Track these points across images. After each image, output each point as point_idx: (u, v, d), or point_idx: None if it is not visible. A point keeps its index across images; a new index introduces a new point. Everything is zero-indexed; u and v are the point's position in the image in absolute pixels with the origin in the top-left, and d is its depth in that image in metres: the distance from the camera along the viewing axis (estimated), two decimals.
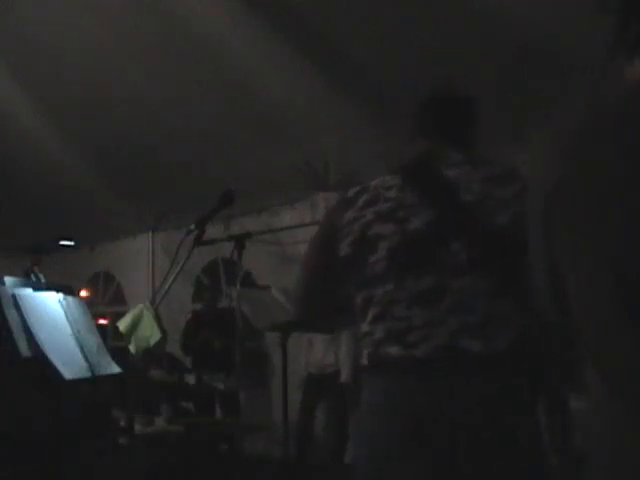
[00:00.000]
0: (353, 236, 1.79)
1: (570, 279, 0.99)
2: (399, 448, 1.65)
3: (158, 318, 3.04)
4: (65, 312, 2.69)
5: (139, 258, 7.64)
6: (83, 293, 7.82)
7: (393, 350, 1.68)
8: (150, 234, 7.57)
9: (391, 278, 1.72)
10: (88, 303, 3.13)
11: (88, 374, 2.58)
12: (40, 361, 2.38)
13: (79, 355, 2.61)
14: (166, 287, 2.76)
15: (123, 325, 3.01)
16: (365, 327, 1.76)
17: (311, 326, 3.18)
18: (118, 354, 2.94)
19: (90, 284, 8.49)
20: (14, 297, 2.48)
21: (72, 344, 2.61)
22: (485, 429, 1.59)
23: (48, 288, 2.76)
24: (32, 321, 2.46)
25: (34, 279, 3.06)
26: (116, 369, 2.77)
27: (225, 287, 6.74)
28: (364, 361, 1.77)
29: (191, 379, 5.73)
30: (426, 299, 1.66)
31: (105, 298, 8.57)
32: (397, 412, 1.67)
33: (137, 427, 3.15)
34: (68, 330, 2.65)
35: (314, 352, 5.26)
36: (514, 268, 1.62)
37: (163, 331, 3.19)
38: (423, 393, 1.64)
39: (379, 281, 1.73)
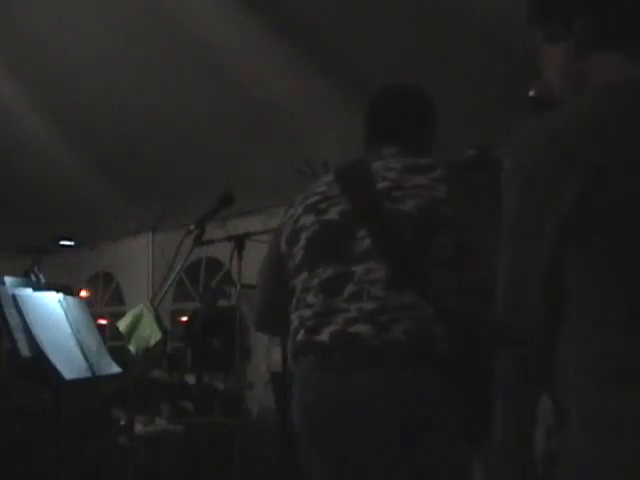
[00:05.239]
0: (287, 232, 1.84)
1: (571, 277, 0.99)
2: (303, 446, 1.74)
3: (158, 318, 3.04)
4: (65, 312, 2.69)
5: (139, 258, 7.63)
6: (83, 293, 7.81)
7: (300, 336, 1.72)
8: (150, 234, 7.57)
9: (306, 267, 1.75)
10: (88, 303, 3.13)
11: (88, 374, 2.58)
12: (40, 361, 2.38)
13: (79, 355, 2.61)
14: (166, 287, 2.76)
15: (123, 325, 3.00)
16: (291, 317, 1.79)
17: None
18: (117, 354, 2.94)
19: (90, 284, 8.48)
20: (14, 297, 2.48)
21: (72, 344, 2.61)
22: (372, 426, 1.58)
23: (48, 288, 2.76)
24: (32, 321, 2.46)
25: (34, 279, 3.05)
26: (116, 369, 2.77)
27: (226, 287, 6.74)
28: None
29: (191, 379, 5.73)
30: (330, 286, 1.68)
31: (104, 298, 8.57)
32: (297, 410, 1.73)
33: (137, 427, 3.16)
34: (68, 330, 2.65)
35: (275, 352, 5.28)
36: (416, 257, 1.61)
37: (163, 331, 3.19)
38: (314, 391, 1.67)
39: (298, 271, 1.77)
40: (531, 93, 1.28)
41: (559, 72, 1.16)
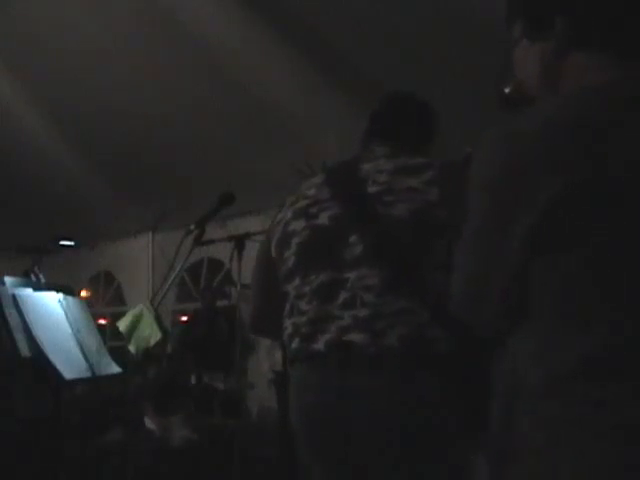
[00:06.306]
0: (277, 236, 1.82)
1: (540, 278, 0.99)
2: (302, 447, 1.72)
3: (158, 318, 3.04)
4: (65, 312, 2.69)
5: (139, 258, 7.64)
6: (83, 293, 7.82)
7: (295, 344, 1.71)
8: (150, 234, 7.58)
9: (298, 273, 1.73)
10: (88, 303, 3.13)
11: (88, 374, 2.58)
12: (40, 361, 2.38)
13: (79, 355, 2.61)
14: (166, 287, 2.76)
15: (123, 325, 3.01)
16: (284, 322, 1.78)
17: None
18: (117, 354, 2.94)
19: (91, 284, 8.49)
20: (14, 297, 2.48)
21: (72, 344, 2.61)
22: (372, 426, 1.57)
23: (48, 288, 2.76)
24: (32, 321, 2.45)
25: (34, 279, 3.05)
26: (116, 369, 2.77)
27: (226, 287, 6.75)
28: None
29: (191, 379, 5.72)
30: (324, 293, 1.66)
31: (105, 298, 8.58)
32: (296, 411, 1.72)
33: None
34: (68, 330, 2.65)
35: (276, 352, 5.29)
36: (411, 262, 1.60)
37: (163, 331, 3.19)
38: (313, 392, 1.66)
39: (290, 276, 1.75)
40: (507, 90, 1.26)
41: (538, 71, 1.14)
